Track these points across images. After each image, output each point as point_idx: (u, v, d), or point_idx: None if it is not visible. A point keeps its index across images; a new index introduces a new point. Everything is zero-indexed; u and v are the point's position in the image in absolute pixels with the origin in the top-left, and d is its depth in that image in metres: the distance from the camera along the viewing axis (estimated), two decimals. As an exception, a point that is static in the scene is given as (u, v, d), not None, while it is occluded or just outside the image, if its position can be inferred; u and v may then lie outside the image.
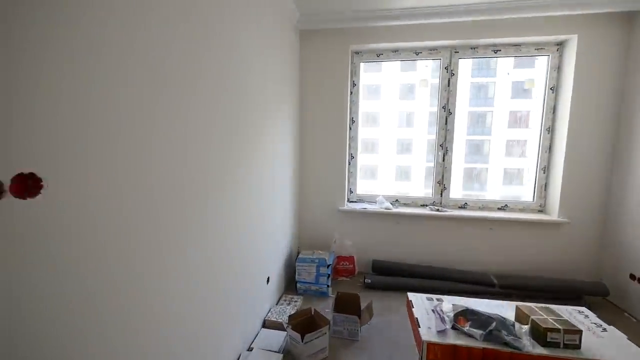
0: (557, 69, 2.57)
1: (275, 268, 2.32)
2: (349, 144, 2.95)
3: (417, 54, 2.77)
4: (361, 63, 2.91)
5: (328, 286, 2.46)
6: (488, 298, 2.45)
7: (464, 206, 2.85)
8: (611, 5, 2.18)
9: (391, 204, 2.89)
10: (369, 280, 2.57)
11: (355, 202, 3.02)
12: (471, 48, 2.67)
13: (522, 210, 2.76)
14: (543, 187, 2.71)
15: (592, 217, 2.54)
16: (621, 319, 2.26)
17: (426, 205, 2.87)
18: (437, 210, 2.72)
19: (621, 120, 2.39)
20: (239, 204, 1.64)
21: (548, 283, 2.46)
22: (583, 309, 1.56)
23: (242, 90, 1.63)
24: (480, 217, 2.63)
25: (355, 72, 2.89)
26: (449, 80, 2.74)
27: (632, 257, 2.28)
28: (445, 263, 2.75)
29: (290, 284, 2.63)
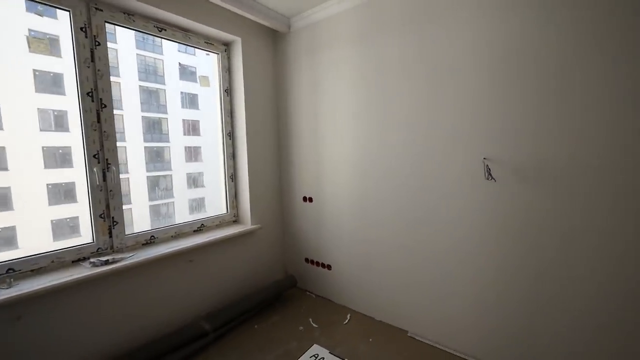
0: (228, 70, 2.44)
1: None
2: None
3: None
4: None
5: None
6: (204, 351, 1.90)
7: (151, 241, 2.00)
8: (262, 18, 2.29)
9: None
10: None
11: None
12: (125, 13, 1.82)
13: (219, 226, 2.42)
14: (234, 196, 2.54)
15: (276, 217, 2.74)
16: (304, 298, 2.60)
17: (86, 259, 1.69)
18: (107, 262, 1.66)
19: (280, 127, 2.71)
20: None
21: (257, 298, 2.31)
22: None
23: None
24: (176, 251, 1.93)
25: None
26: (92, 52, 1.70)
27: (303, 245, 2.68)
28: (150, 332, 1.79)
29: None
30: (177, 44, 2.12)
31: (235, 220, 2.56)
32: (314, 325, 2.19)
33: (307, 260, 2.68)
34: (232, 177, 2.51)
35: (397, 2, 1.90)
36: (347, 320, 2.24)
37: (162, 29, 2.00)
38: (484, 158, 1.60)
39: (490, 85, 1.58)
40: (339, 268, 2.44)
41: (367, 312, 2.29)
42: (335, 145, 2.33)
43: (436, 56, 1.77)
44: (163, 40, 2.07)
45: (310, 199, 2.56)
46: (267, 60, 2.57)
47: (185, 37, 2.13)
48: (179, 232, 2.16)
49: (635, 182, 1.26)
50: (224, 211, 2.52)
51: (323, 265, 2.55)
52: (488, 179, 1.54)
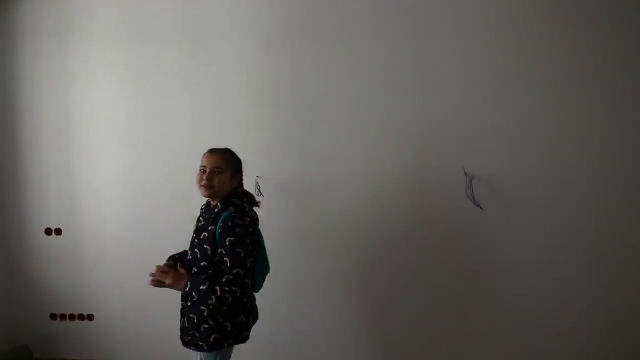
0: None
1: None
2: None
3: None
4: None
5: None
6: None
7: None
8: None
9: None
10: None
11: None
12: None
13: None
14: None
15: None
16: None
17: None
18: None
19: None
20: None
21: None
22: None
23: None
24: None
25: None
26: None
27: (48, 296, 1.93)
28: None
29: None
30: None
31: None
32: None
33: (54, 316, 1.93)
34: None
35: (175, 13, 1.78)
36: (113, 382, 1.76)
37: None
38: (257, 176, 1.72)
39: (250, 110, 1.77)
40: (105, 315, 1.90)
41: (146, 360, 1.90)
42: (95, 153, 1.86)
43: (215, 76, 1.78)
44: None
45: (58, 231, 1.88)
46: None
47: None
48: None
49: (371, 193, 1.72)
50: None
51: (81, 317, 1.91)
52: (258, 195, 1.66)
